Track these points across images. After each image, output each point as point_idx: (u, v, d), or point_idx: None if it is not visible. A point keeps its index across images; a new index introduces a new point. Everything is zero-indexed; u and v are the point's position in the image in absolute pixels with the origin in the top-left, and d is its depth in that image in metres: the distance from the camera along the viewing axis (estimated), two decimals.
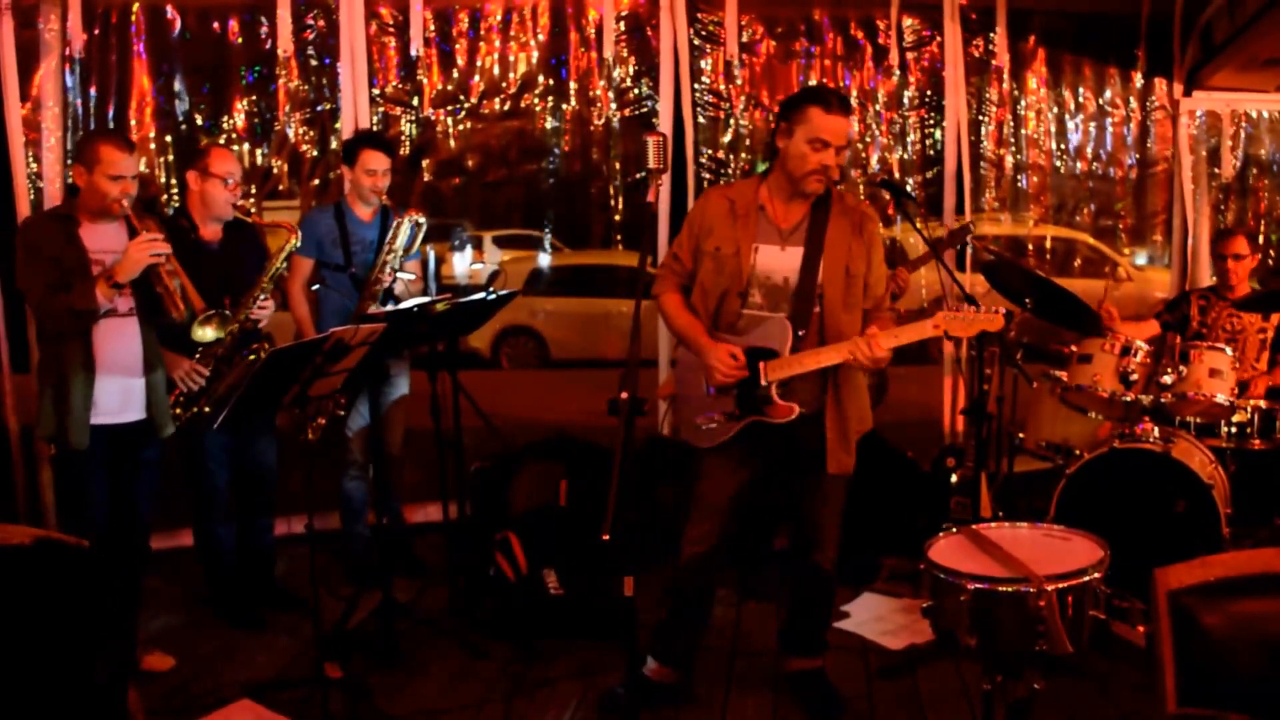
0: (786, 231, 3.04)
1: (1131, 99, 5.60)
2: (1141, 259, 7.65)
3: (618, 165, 6.22)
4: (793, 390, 3.00)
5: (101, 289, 3.24)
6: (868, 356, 2.85)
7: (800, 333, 2.97)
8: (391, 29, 5.12)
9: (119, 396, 3.42)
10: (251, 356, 3.75)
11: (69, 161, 4.60)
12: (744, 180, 3.15)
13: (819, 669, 3.34)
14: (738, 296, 3.04)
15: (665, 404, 4.77)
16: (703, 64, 5.28)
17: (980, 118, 5.49)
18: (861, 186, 5.60)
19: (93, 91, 4.85)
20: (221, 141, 5.08)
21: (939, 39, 5.37)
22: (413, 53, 5.11)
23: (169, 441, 3.63)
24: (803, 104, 2.94)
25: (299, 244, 3.86)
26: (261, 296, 3.77)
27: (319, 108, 5.19)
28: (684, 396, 3.20)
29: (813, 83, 5.42)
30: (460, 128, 5.56)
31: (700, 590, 3.28)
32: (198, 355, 3.73)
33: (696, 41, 5.24)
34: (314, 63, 5.09)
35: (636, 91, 5.38)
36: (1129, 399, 3.90)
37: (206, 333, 3.48)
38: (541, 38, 5.29)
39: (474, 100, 5.37)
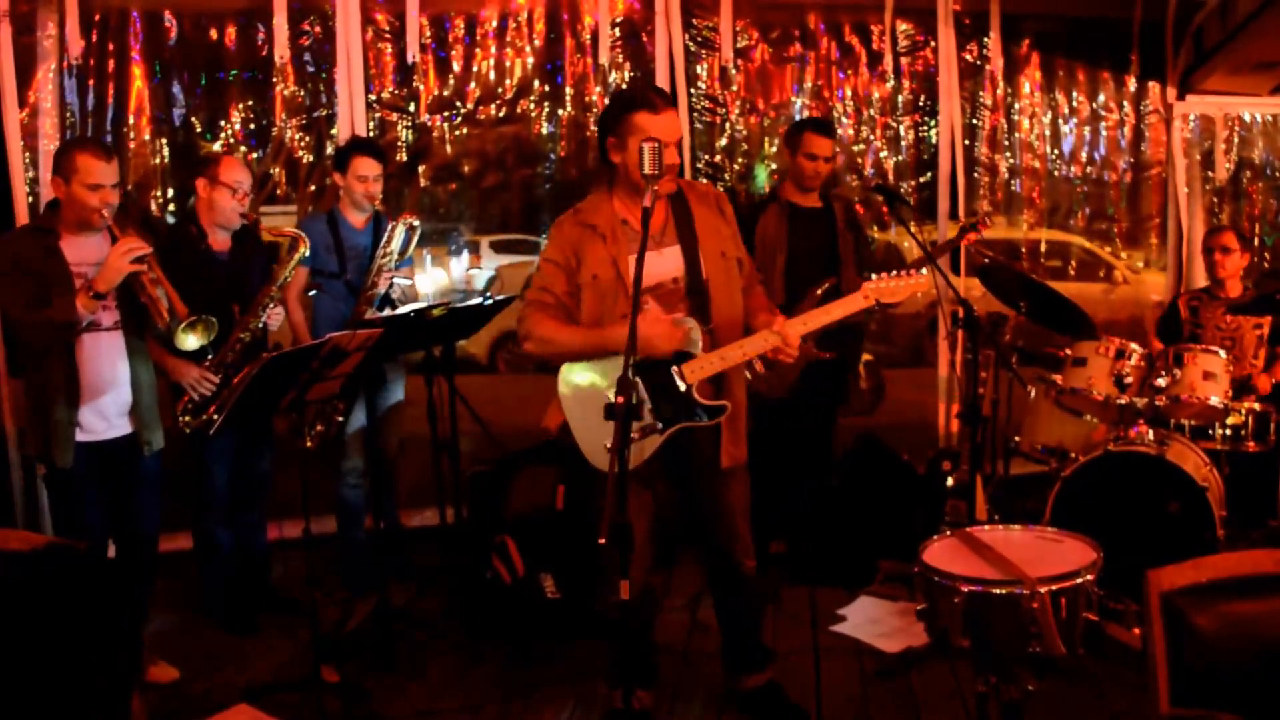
0: (656, 235, 2.88)
1: (1125, 103, 5.63)
2: (1138, 262, 7.68)
3: None
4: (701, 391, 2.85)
5: (82, 300, 3.16)
6: (792, 342, 2.76)
7: (708, 328, 2.85)
8: (388, 35, 5.13)
9: (104, 414, 3.37)
10: None
11: None
12: (589, 201, 2.96)
13: (771, 682, 3.24)
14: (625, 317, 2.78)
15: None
16: (698, 69, 5.30)
17: (974, 122, 5.52)
18: (856, 191, 5.62)
19: (90, 97, 4.86)
20: (218, 147, 5.09)
21: (933, 44, 5.40)
22: (409, 59, 5.12)
23: (172, 445, 3.60)
24: (624, 113, 2.81)
25: (308, 252, 3.87)
26: (270, 304, 3.75)
27: (315, 114, 5.20)
28: (581, 422, 2.95)
29: (807, 85, 5.45)
30: (457, 133, 5.57)
31: (641, 625, 3.15)
32: (208, 363, 3.70)
33: (692, 47, 5.26)
34: (310, 69, 5.10)
35: None
36: (1123, 402, 3.91)
37: (190, 340, 3.35)
38: (537, 43, 5.30)
39: (470, 106, 5.38)
